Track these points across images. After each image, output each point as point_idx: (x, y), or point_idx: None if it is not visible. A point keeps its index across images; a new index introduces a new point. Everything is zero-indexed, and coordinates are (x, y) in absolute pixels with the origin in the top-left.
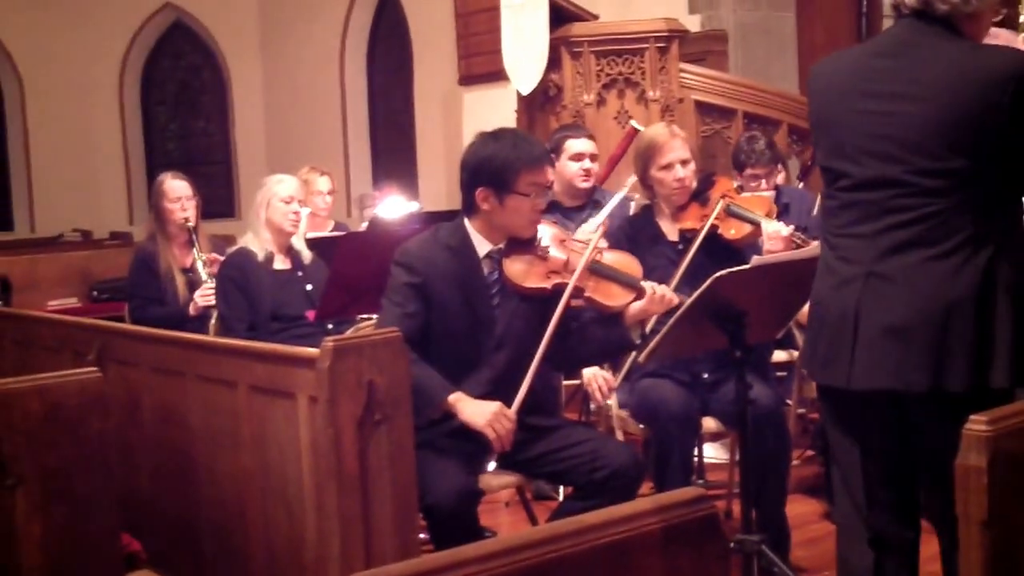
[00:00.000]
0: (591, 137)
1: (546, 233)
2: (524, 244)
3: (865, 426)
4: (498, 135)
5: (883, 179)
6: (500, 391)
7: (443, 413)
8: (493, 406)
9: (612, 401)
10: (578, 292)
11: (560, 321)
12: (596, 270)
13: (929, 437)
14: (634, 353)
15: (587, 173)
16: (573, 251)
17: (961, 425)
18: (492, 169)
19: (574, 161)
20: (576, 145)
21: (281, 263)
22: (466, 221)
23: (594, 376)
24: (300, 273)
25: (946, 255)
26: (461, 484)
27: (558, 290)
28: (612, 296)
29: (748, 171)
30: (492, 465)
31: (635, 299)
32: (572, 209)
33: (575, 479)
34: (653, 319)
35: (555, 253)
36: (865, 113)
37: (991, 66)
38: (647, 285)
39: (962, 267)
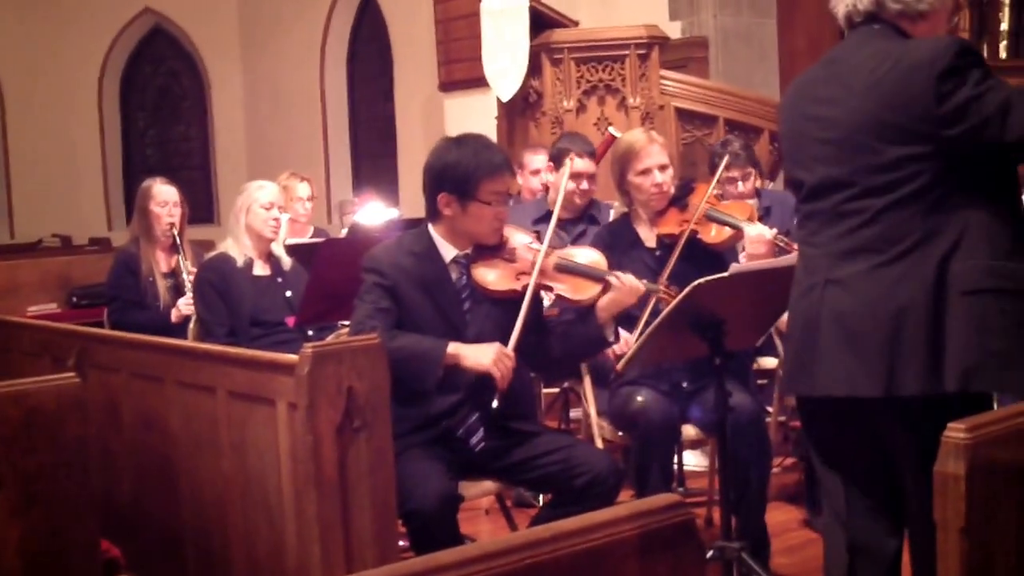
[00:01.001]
0: (593, 154)
1: (512, 236)
2: (491, 248)
3: (842, 435)
4: (461, 141)
5: (831, 183)
6: (475, 395)
7: (445, 369)
8: (494, 346)
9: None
10: (547, 290)
11: (529, 311)
12: (562, 266)
13: (890, 444)
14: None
15: (583, 192)
16: (539, 252)
17: (921, 433)
18: (454, 176)
19: (572, 180)
20: (578, 164)
21: (261, 269)
22: (431, 227)
23: None
24: (280, 279)
25: (895, 259)
26: (443, 488)
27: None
28: (580, 290)
29: (724, 174)
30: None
31: (603, 291)
32: (567, 221)
33: (554, 486)
34: (637, 332)
35: (523, 255)
36: (810, 119)
37: (912, 54)
38: (613, 276)
39: (911, 271)
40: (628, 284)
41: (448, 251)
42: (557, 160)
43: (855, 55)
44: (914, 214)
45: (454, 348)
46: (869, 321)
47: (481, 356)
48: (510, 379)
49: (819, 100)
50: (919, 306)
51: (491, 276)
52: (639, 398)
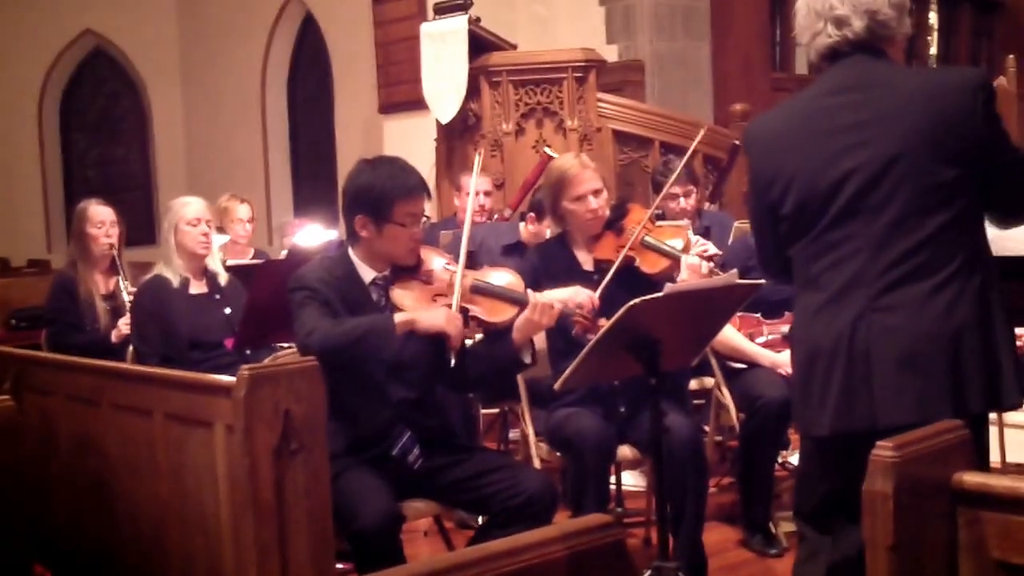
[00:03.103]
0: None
1: (430, 257)
2: (409, 270)
3: (859, 463)
4: (376, 164)
5: (868, 208)
6: (402, 415)
7: (401, 340)
8: (442, 310)
9: None
10: (463, 312)
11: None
12: (478, 288)
13: None
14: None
15: None
16: (455, 273)
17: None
18: (369, 198)
19: None
20: None
21: (197, 287)
22: (350, 250)
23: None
24: (218, 296)
25: (945, 284)
26: (387, 507)
27: None
28: (497, 312)
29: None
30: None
31: (519, 313)
32: None
33: (491, 506)
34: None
35: (439, 276)
36: (839, 150)
37: (959, 77)
38: (528, 297)
39: (961, 293)
40: (541, 303)
41: (367, 273)
42: (539, 211)
43: (876, 80)
44: (959, 236)
45: (402, 316)
46: (931, 345)
47: (435, 318)
48: (462, 338)
49: (841, 128)
50: (974, 326)
51: (408, 298)
52: (574, 419)
